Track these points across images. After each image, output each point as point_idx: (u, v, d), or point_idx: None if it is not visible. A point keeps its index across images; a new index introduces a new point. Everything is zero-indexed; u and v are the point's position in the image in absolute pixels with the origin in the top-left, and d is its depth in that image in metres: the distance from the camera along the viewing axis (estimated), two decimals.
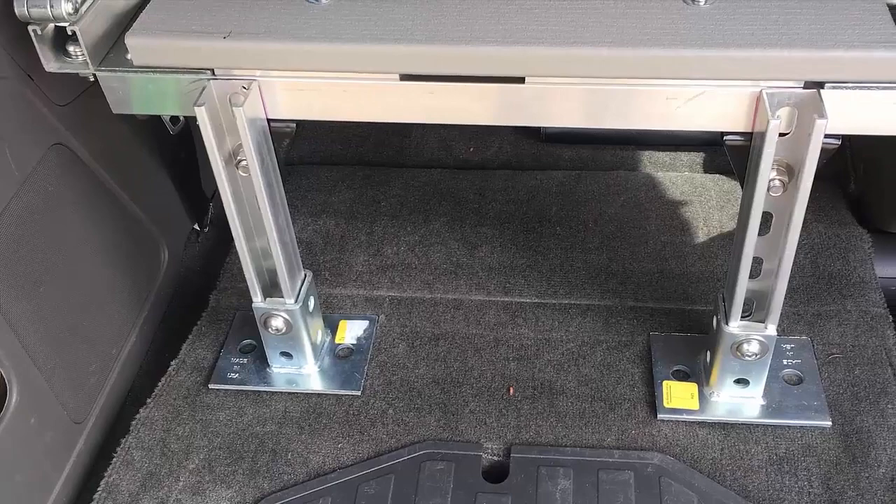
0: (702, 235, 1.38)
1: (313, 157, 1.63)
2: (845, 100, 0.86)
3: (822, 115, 0.85)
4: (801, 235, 1.31)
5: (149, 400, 1.19)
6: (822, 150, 0.90)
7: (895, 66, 0.81)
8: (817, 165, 0.91)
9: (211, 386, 1.20)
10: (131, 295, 1.30)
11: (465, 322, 1.27)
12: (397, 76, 0.92)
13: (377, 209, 1.47)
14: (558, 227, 1.41)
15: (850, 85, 0.85)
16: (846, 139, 1.42)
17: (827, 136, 0.89)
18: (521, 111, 0.93)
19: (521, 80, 0.90)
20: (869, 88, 0.85)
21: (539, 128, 1.62)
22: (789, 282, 1.26)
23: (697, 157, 1.55)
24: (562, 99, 0.91)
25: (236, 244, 1.06)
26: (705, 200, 1.44)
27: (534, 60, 0.87)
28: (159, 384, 1.21)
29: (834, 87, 0.86)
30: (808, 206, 1.36)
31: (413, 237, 1.41)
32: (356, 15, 0.90)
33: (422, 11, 0.90)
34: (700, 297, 1.27)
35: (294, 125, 1.01)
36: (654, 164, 1.55)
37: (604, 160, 1.57)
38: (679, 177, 1.51)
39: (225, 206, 1.02)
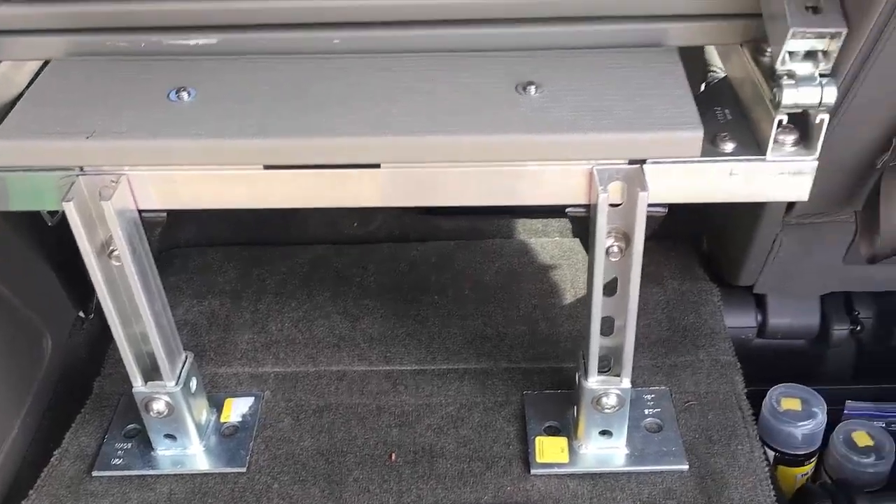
0: (569, 297, 1.47)
1: (200, 238, 1.66)
2: (664, 173, 0.97)
3: (644, 187, 0.95)
4: (657, 292, 1.46)
5: (31, 492, 1.19)
6: (651, 218, 1.00)
7: (697, 143, 0.92)
8: (654, 230, 1.01)
9: (95, 473, 1.21)
10: (13, 386, 1.29)
11: (349, 392, 1.32)
12: (261, 166, 0.98)
13: (262, 287, 1.51)
14: (437, 295, 1.48)
15: (667, 160, 0.96)
16: (698, 203, 1.58)
17: (653, 205, 0.99)
18: (378, 194, 1.00)
19: (377, 165, 0.98)
20: (683, 162, 0.96)
21: None
22: (648, 336, 1.39)
23: (567, 224, 1.66)
24: (415, 181, 0.99)
25: (113, 332, 1.09)
26: (573, 263, 1.54)
27: (386, 149, 0.95)
28: (42, 474, 1.21)
29: (654, 163, 0.96)
30: (664, 265, 1.53)
31: (297, 313, 1.46)
32: (218, 110, 0.96)
33: (280, 106, 0.97)
34: (568, 356, 1.36)
35: (165, 214, 1.05)
36: (528, 230, 1.65)
37: (481, 229, 1.66)
38: (549, 242, 1.61)
39: (99, 296, 1.05)
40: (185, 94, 0.98)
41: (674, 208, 1.58)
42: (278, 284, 1.52)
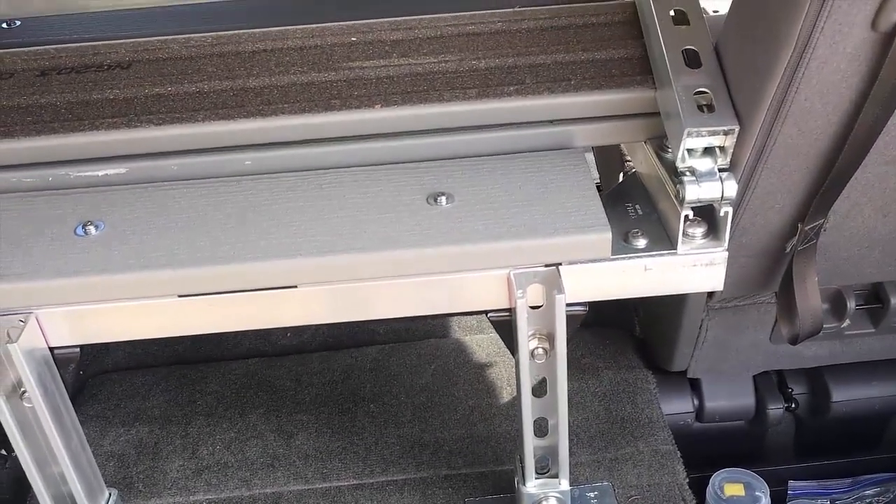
0: (506, 395, 1.46)
1: (129, 361, 1.62)
2: (581, 273, 0.98)
3: (561, 290, 0.95)
4: (594, 383, 1.46)
5: None
6: (572, 317, 1.01)
7: (607, 244, 0.94)
8: (573, 329, 1.01)
9: None
10: None
11: None
12: (175, 295, 0.96)
13: (193, 409, 1.47)
14: (372, 404, 1.45)
15: (581, 261, 0.97)
16: None
17: (573, 304, 1.00)
18: (297, 314, 0.99)
19: (294, 286, 0.97)
20: (596, 262, 0.98)
21: None
22: (588, 429, 1.38)
23: None
24: (333, 299, 0.98)
25: (27, 475, 1.04)
26: (508, 360, 1.53)
27: (301, 271, 0.95)
28: None
29: (569, 264, 0.97)
30: (599, 355, 1.53)
31: (229, 434, 1.41)
32: (127, 244, 0.95)
33: (191, 234, 0.96)
34: (508, 457, 1.33)
35: (78, 349, 1.02)
36: (463, 328, 1.64)
37: (416, 331, 1.65)
38: (485, 338, 1.60)
39: (11, 439, 1.00)
40: (92, 228, 0.96)
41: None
42: (209, 405, 1.47)
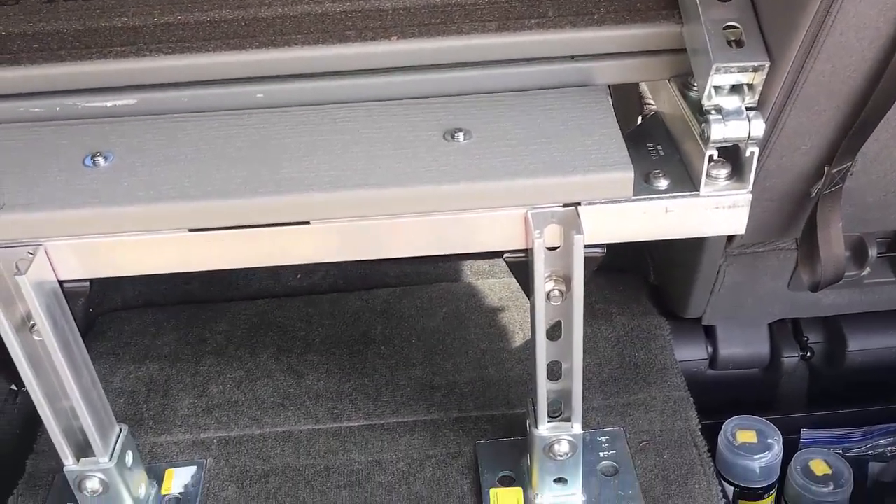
0: (518, 340, 1.45)
1: (139, 300, 1.61)
2: (600, 214, 0.95)
3: (580, 230, 0.93)
4: (607, 329, 1.45)
5: None
6: (590, 259, 0.98)
7: (629, 184, 0.91)
8: (591, 272, 0.99)
9: None
10: None
11: (295, 454, 1.27)
12: (185, 229, 0.94)
13: (203, 348, 1.46)
14: (383, 346, 1.45)
15: (601, 201, 0.95)
16: None
17: (591, 246, 0.98)
18: (309, 251, 0.97)
19: (306, 222, 0.95)
20: (618, 202, 0.95)
21: None
22: (600, 374, 1.37)
23: None
24: (346, 237, 0.96)
25: (38, 409, 1.03)
26: (521, 304, 1.52)
27: (314, 206, 0.92)
28: None
29: (589, 204, 0.95)
30: (612, 301, 1.51)
31: (239, 373, 1.41)
32: (136, 175, 0.92)
33: (202, 166, 0.93)
34: (519, 401, 1.33)
35: (88, 283, 1.01)
36: (475, 272, 1.63)
37: (427, 274, 1.63)
38: (497, 283, 1.59)
39: (21, 373, 1.00)
40: (101, 160, 0.94)
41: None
42: (219, 344, 1.47)
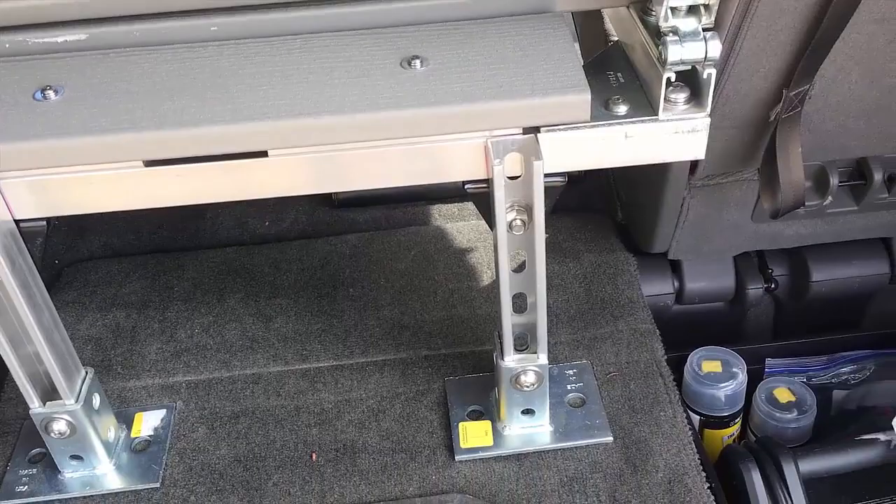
0: (486, 279, 1.45)
1: (105, 250, 1.60)
2: (560, 141, 0.95)
3: (539, 156, 0.93)
4: (574, 266, 1.45)
5: None
6: (552, 188, 0.99)
7: (585, 106, 0.90)
8: (552, 201, 1.00)
9: None
10: None
11: (265, 395, 1.28)
12: (141, 163, 0.93)
13: (170, 295, 1.46)
14: (351, 288, 1.45)
15: (560, 127, 0.94)
16: (610, 173, 1.58)
17: (552, 174, 0.98)
18: (269, 183, 0.96)
19: (264, 153, 0.94)
20: (577, 128, 0.95)
21: (331, 194, 1.66)
22: (567, 310, 1.38)
23: None
24: (305, 167, 0.95)
25: (2, 354, 1.02)
26: (489, 245, 1.52)
27: (271, 134, 0.91)
28: None
29: (548, 131, 0.95)
30: (580, 239, 1.52)
31: (207, 318, 1.40)
32: (88, 108, 0.91)
33: (155, 99, 0.92)
34: (488, 338, 1.33)
35: (45, 223, 0.99)
36: (443, 216, 1.63)
37: (396, 218, 1.63)
38: (465, 225, 1.59)
39: None
40: (51, 93, 0.92)
41: (586, 180, 1.60)
42: (187, 291, 1.46)
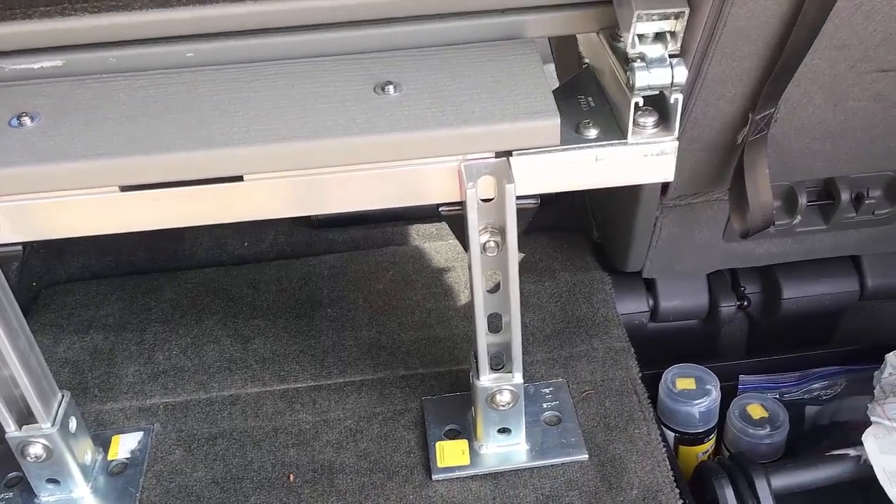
0: (464, 298, 1.46)
1: (83, 272, 1.60)
2: (531, 164, 0.97)
3: (511, 179, 0.95)
4: (550, 285, 1.47)
5: None
6: (523, 210, 1.00)
7: (555, 131, 0.92)
8: (525, 223, 1.01)
9: None
10: None
11: (243, 416, 1.28)
12: (117, 188, 0.94)
13: (148, 316, 1.46)
14: (329, 309, 1.45)
15: (532, 150, 0.96)
16: (586, 193, 1.60)
17: (524, 197, 0.99)
18: (244, 206, 0.97)
19: (239, 178, 0.95)
20: (549, 152, 0.97)
21: (309, 215, 1.67)
22: (543, 329, 1.39)
23: None
24: (280, 192, 0.96)
25: None
26: (466, 265, 1.53)
27: (245, 160, 0.92)
28: None
29: (520, 154, 0.96)
30: (556, 258, 1.53)
31: (185, 339, 1.41)
32: (63, 134, 0.91)
33: (131, 124, 0.93)
34: (465, 357, 1.34)
35: (21, 248, 1.00)
36: (421, 236, 1.64)
37: (374, 239, 1.64)
38: (443, 245, 1.60)
39: None
40: (27, 120, 0.93)
41: (561, 200, 1.62)
42: (165, 312, 1.46)
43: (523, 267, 1.03)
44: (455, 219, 1.04)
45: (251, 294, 1.50)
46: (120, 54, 1.00)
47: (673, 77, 0.92)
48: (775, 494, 1.17)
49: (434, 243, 1.61)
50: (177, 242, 1.64)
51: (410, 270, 1.54)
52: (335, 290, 1.50)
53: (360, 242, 1.64)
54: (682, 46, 0.93)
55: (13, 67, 0.99)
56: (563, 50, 1.48)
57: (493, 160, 0.97)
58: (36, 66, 1.00)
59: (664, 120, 0.97)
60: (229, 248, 1.64)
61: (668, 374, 1.35)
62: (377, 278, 1.52)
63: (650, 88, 0.93)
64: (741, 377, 1.46)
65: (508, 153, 0.96)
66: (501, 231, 1.02)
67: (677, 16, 0.90)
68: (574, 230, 1.61)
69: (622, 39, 0.99)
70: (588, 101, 1.04)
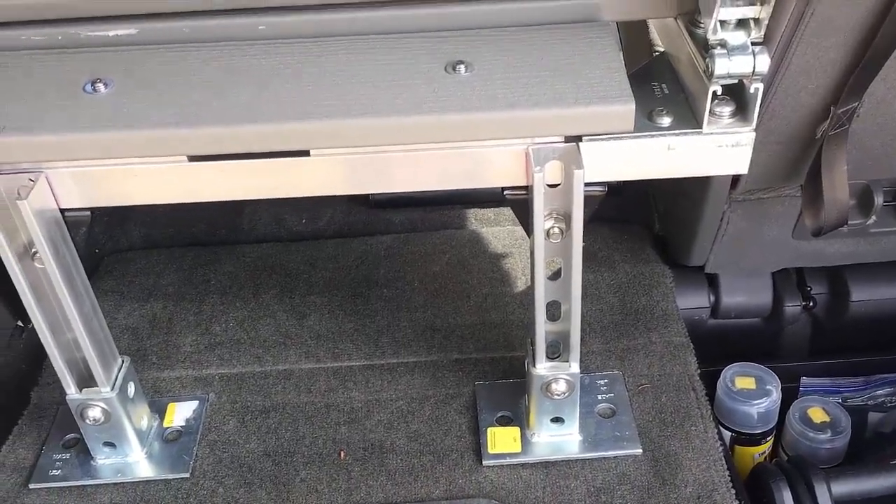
0: (521, 285, 1.45)
1: (145, 242, 1.62)
2: (601, 150, 0.95)
3: (580, 165, 0.92)
4: (609, 276, 1.45)
5: None
6: (591, 198, 0.98)
7: (630, 116, 0.90)
8: (591, 211, 0.99)
9: (32, 486, 1.16)
10: None
11: (296, 391, 1.29)
12: (185, 157, 0.95)
13: (206, 288, 1.47)
14: (385, 289, 1.45)
15: (603, 136, 0.94)
16: (649, 184, 1.57)
17: (592, 184, 0.97)
18: (310, 182, 0.97)
19: (306, 152, 0.95)
20: (619, 138, 0.94)
21: (367, 194, 1.67)
22: (601, 320, 1.37)
23: None
24: (346, 168, 0.96)
25: (41, 338, 1.05)
26: (524, 252, 1.52)
27: (314, 134, 0.92)
28: None
29: (590, 140, 0.94)
30: (616, 249, 1.51)
31: (242, 312, 1.42)
32: (136, 102, 0.92)
33: (202, 95, 0.93)
34: (520, 344, 1.33)
35: (89, 213, 1.01)
36: (479, 220, 1.63)
37: (432, 221, 1.63)
38: (501, 231, 1.59)
39: (24, 301, 1.01)
40: (101, 86, 0.93)
41: (625, 191, 1.59)
42: (223, 284, 1.48)
43: (583, 256, 1.01)
44: (519, 203, 1.02)
45: (308, 270, 1.51)
46: (193, 24, 1.00)
47: (755, 66, 0.89)
48: (835, 501, 1.14)
49: (492, 228, 1.60)
50: (236, 216, 1.66)
51: (467, 254, 1.53)
52: (391, 270, 1.50)
53: (418, 224, 1.63)
54: (765, 34, 0.90)
55: (88, 34, 1.00)
56: (633, 34, 1.45)
57: (562, 144, 0.95)
58: (111, 33, 1.00)
59: (741, 110, 0.94)
60: (287, 224, 1.64)
61: (727, 372, 1.32)
62: (433, 261, 1.51)
63: (730, 77, 0.90)
64: (803, 379, 1.42)
65: (578, 138, 0.94)
66: (566, 218, 1.00)
67: (763, 2, 0.87)
68: (635, 221, 1.58)
69: (702, 25, 0.96)
70: (662, 87, 1.01)
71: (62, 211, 0.99)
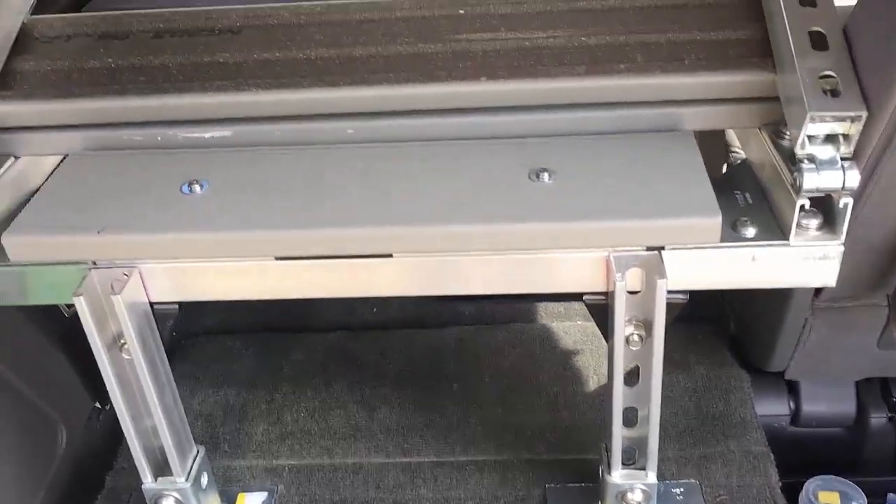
0: (593, 384, 1.43)
1: (220, 327, 1.65)
2: (684, 259, 0.94)
3: (663, 275, 0.92)
4: (684, 378, 1.42)
5: None
6: (672, 305, 0.97)
7: (716, 230, 0.90)
8: (672, 318, 0.98)
9: None
10: (26, 478, 1.27)
11: (365, 486, 1.28)
12: (272, 257, 0.97)
13: (279, 375, 1.49)
14: (455, 383, 1.45)
15: (686, 246, 0.94)
16: None
17: (674, 291, 0.96)
18: (391, 284, 0.98)
19: (389, 255, 0.97)
20: (703, 248, 0.94)
21: None
22: (676, 425, 1.34)
23: None
24: (427, 271, 0.97)
25: (122, 426, 1.06)
26: (596, 349, 1.50)
27: (397, 239, 0.94)
28: None
29: (673, 249, 0.94)
30: (690, 350, 1.48)
31: (313, 402, 1.43)
32: (230, 204, 0.96)
33: (291, 197, 0.96)
34: (592, 446, 1.30)
35: (177, 306, 1.04)
36: (549, 314, 1.62)
37: (502, 313, 1.63)
38: (572, 326, 1.57)
39: (109, 389, 1.03)
40: (197, 187, 0.98)
41: (698, 290, 1.56)
42: (295, 373, 1.49)
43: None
44: (598, 308, 1.01)
45: (378, 361, 1.51)
46: (285, 128, 1.04)
47: (844, 181, 0.88)
48: None
49: (562, 323, 1.59)
50: (308, 304, 1.68)
51: (538, 349, 1.52)
52: (461, 364, 1.49)
53: (487, 316, 1.63)
54: (855, 149, 0.89)
55: (186, 135, 1.05)
56: (709, 135, 1.45)
57: (644, 253, 0.94)
58: (207, 135, 1.05)
59: (829, 222, 0.93)
60: (358, 312, 1.66)
61: (809, 486, 1.27)
62: (504, 355, 1.51)
63: (819, 191, 0.89)
64: (889, 495, 1.36)
65: (661, 247, 0.94)
66: (647, 325, 0.99)
67: (853, 119, 0.87)
68: (709, 320, 1.55)
69: (787, 137, 0.96)
70: (745, 196, 1.01)
71: (151, 304, 1.02)
